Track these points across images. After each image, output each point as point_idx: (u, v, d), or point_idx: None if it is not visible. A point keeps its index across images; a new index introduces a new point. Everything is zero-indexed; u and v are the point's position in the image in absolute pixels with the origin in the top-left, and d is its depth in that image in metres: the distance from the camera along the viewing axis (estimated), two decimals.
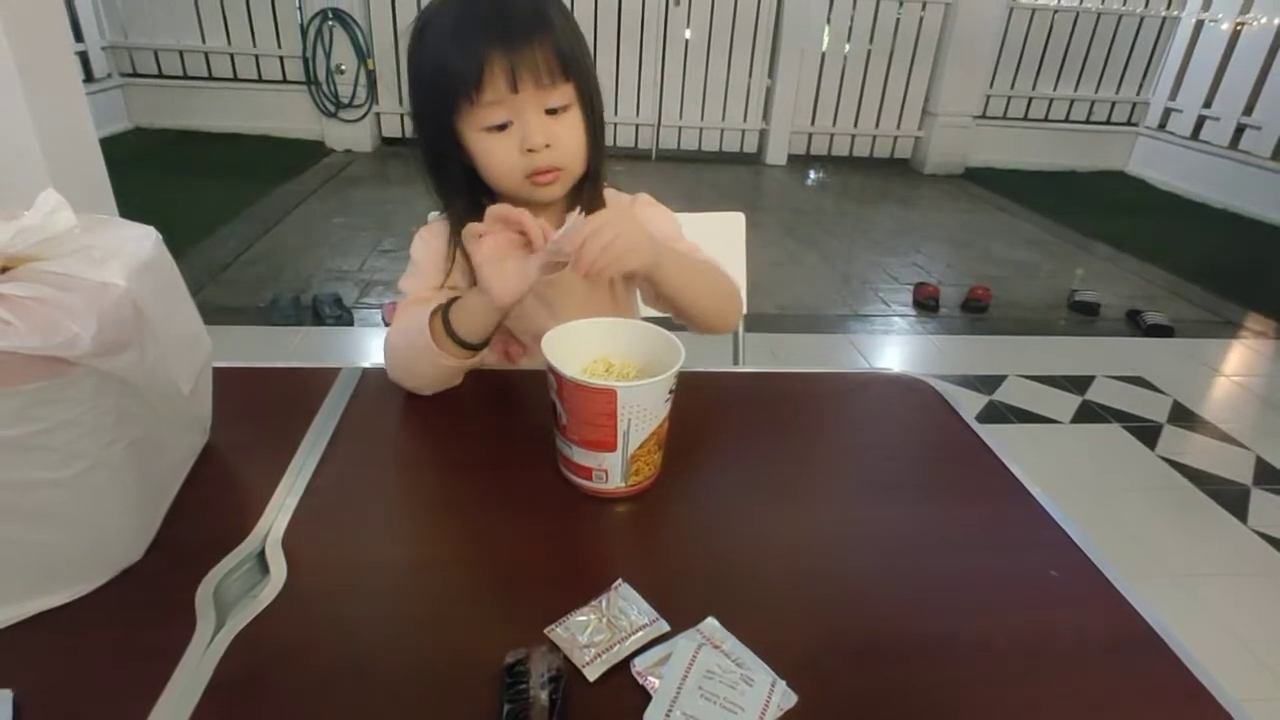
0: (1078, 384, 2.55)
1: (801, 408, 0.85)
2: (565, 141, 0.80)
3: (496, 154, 0.79)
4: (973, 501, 0.70)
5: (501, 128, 0.78)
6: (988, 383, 2.52)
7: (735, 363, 1.16)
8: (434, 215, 0.94)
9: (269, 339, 2.49)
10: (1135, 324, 3.11)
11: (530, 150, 0.78)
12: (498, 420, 0.79)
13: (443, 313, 0.76)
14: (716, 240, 1.11)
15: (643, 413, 0.61)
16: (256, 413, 0.77)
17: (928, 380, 0.89)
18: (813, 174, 5.40)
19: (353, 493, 0.66)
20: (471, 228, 0.71)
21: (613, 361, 0.70)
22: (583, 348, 0.69)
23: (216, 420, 0.70)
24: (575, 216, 0.68)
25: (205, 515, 0.62)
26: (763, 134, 5.50)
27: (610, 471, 0.64)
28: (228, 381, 0.72)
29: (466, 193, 0.86)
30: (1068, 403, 2.43)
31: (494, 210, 0.70)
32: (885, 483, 0.72)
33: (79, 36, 4.67)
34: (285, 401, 0.79)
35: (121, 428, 0.51)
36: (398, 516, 0.66)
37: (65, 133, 1.91)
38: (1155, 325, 3.04)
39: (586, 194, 0.88)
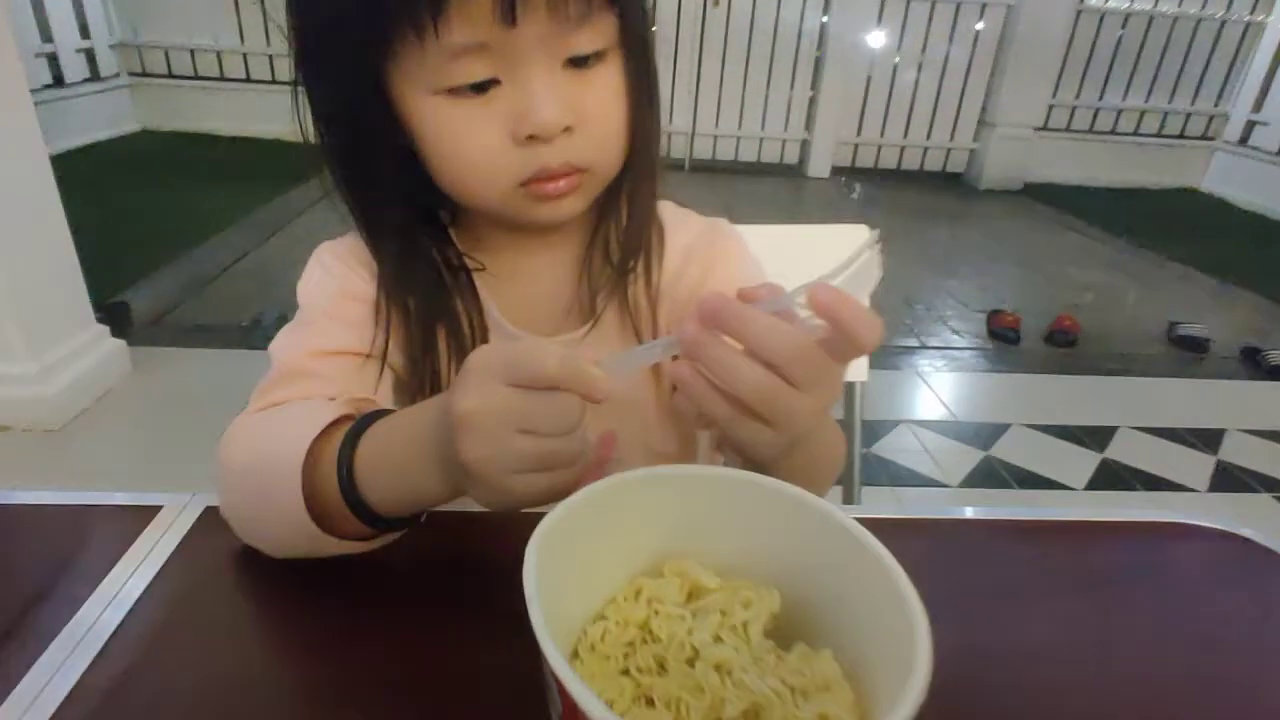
0: (1206, 439, 2.10)
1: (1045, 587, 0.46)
2: (598, 119, 0.43)
3: (468, 139, 0.42)
4: None
5: (480, 88, 0.40)
6: (1095, 436, 2.09)
7: (850, 499, 0.72)
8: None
9: (242, 364, 2.13)
10: (1255, 364, 2.65)
11: (533, 136, 0.40)
12: (447, 615, 0.40)
13: (343, 448, 0.38)
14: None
15: None
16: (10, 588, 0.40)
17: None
18: (857, 188, 4.99)
19: None
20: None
21: (703, 583, 0.30)
22: (636, 534, 0.30)
23: None
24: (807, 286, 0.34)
25: None
26: (804, 144, 5.11)
27: None
28: None
29: (403, 207, 0.47)
30: (1199, 464, 1.99)
31: (522, 365, 0.33)
32: None
33: (85, 34, 4.43)
34: (60, 563, 0.41)
35: None
36: None
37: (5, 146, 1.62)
38: None
39: (632, 211, 0.50)
